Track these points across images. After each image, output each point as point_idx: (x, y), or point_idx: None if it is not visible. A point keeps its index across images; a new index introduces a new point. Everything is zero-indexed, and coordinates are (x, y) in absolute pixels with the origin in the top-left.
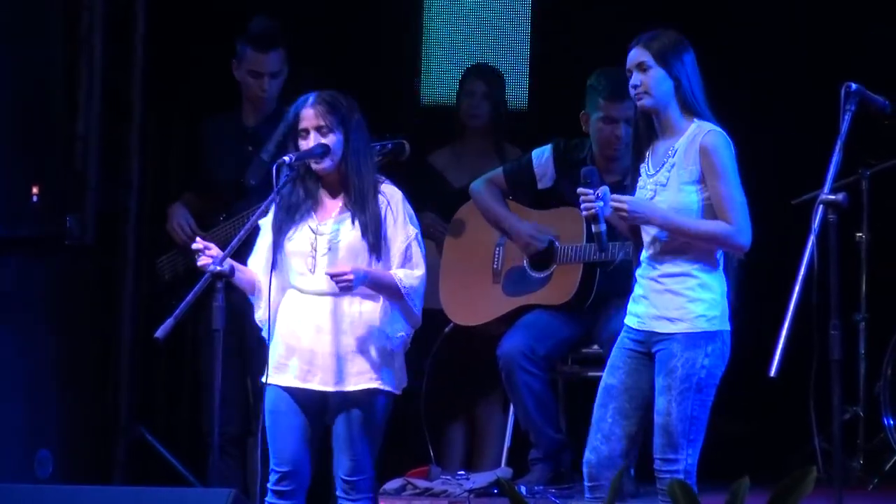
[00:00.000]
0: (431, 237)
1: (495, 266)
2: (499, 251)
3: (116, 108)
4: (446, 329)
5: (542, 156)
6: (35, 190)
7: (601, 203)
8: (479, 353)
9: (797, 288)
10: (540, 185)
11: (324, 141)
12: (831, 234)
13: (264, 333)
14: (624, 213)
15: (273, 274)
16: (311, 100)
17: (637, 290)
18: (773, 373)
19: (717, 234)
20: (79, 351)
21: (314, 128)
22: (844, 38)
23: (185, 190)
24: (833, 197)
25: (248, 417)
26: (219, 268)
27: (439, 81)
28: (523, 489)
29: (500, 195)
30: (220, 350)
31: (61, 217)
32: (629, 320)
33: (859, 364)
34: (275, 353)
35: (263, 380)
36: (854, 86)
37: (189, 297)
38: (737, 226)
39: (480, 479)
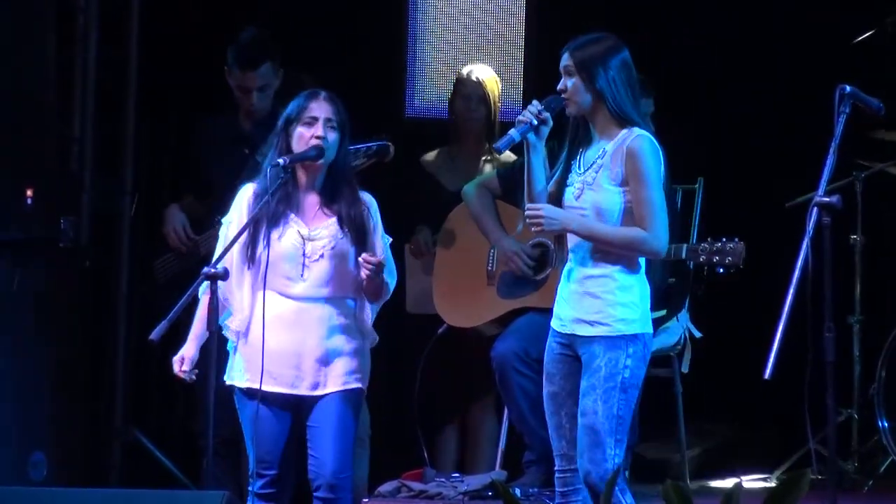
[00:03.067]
0: (419, 254)
1: (489, 268)
2: (493, 253)
3: (111, 110)
4: (440, 330)
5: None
6: (29, 192)
7: (532, 119)
8: (472, 355)
9: (791, 290)
10: None
11: (329, 135)
12: (825, 237)
13: (232, 339)
14: (540, 220)
15: (248, 272)
16: (323, 94)
17: (560, 293)
18: (767, 375)
19: (633, 240)
20: (73, 353)
21: (324, 119)
22: (836, 42)
23: (179, 192)
24: (827, 199)
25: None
26: (213, 270)
27: (431, 86)
28: (518, 491)
29: (493, 200)
30: (214, 352)
31: (56, 219)
32: (554, 323)
33: (854, 366)
34: (255, 357)
35: (234, 382)
36: (848, 88)
37: (183, 300)
38: (653, 232)
39: (475, 481)
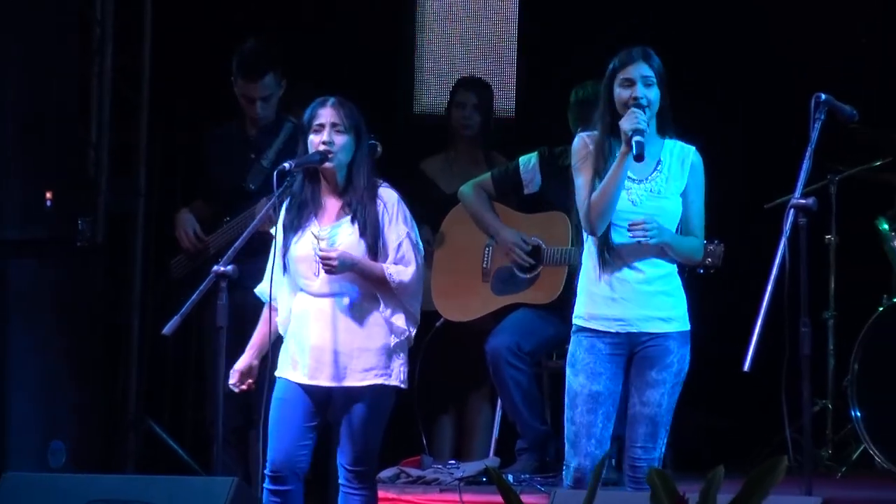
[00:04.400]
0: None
1: (485, 266)
2: (488, 251)
3: (125, 118)
4: (437, 324)
5: (528, 163)
6: (48, 195)
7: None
8: (468, 349)
9: (769, 287)
10: (526, 191)
11: (336, 139)
12: (801, 237)
13: (282, 333)
14: (645, 230)
15: (286, 276)
16: (331, 100)
17: (616, 294)
18: (746, 367)
19: (695, 248)
20: (90, 347)
21: (330, 124)
22: (811, 51)
23: (190, 195)
24: (803, 201)
25: (249, 410)
26: (223, 269)
27: (431, 93)
28: (510, 478)
29: (488, 199)
30: (223, 346)
31: (73, 220)
32: (604, 324)
33: (828, 359)
34: (287, 350)
35: (276, 373)
36: (823, 96)
37: (194, 297)
38: (702, 240)
39: (470, 467)
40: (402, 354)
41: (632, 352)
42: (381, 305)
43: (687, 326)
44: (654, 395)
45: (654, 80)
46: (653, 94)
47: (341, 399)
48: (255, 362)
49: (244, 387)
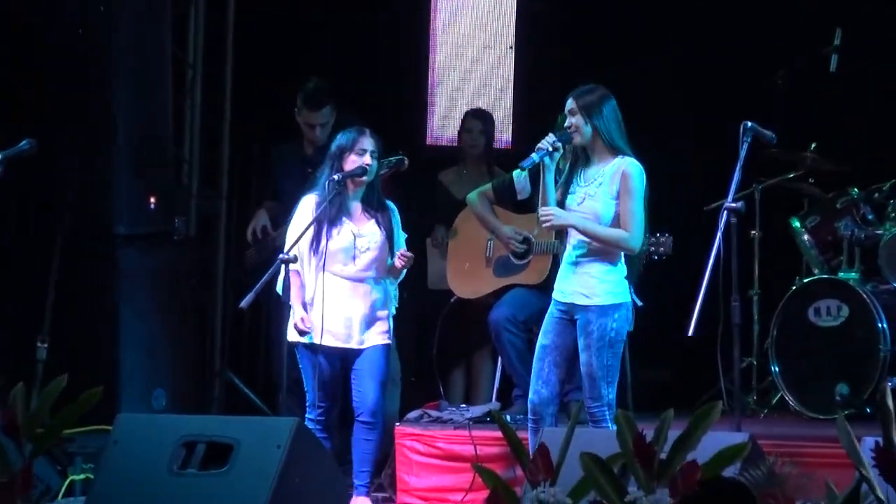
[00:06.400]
0: (437, 245)
1: (487, 255)
2: (490, 244)
3: (211, 139)
4: (451, 300)
5: (520, 176)
6: (153, 199)
7: (549, 147)
8: (475, 319)
9: (708, 271)
10: (519, 197)
11: (372, 161)
12: (733, 232)
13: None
14: (551, 218)
15: (313, 258)
16: (368, 131)
17: (562, 273)
18: (690, 332)
19: (618, 239)
20: (184, 316)
21: (371, 151)
22: (743, 87)
23: (261, 198)
24: (734, 204)
25: None
26: (285, 256)
27: (444, 121)
28: (508, 417)
29: (490, 204)
30: (287, 316)
31: (171, 219)
32: (556, 294)
33: (753, 326)
34: (316, 320)
35: (315, 340)
36: (749, 123)
37: (265, 278)
38: (632, 234)
39: (477, 410)
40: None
41: (573, 317)
42: (386, 285)
43: (609, 302)
44: (584, 357)
45: (577, 110)
46: (575, 120)
47: (360, 358)
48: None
49: (309, 325)
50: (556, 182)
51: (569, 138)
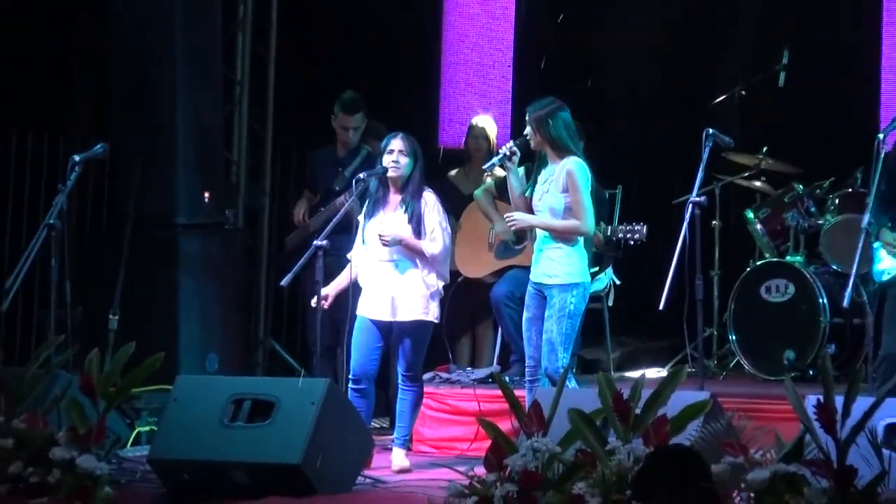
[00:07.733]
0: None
1: (490, 241)
2: (492, 232)
3: (256, 144)
4: (459, 279)
5: (516, 174)
6: (207, 194)
7: (507, 152)
8: (479, 295)
9: (676, 254)
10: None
11: (401, 159)
12: (697, 222)
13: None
14: (514, 223)
15: (364, 247)
16: (399, 134)
17: (534, 258)
18: (661, 307)
19: (571, 228)
20: (234, 293)
21: (398, 150)
22: (706, 97)
23: (299, 192)
24: (699, 199)
25: (338, 335)
26: (320, 242)
27: (453, 126)
28: (507, 378)
29: (492, 199)
30: (320, 293)
31: (222, 211)
32: (531, 275)
33: (714, 301)
34: (363, 296)
35: (357, 312)
36: (711, 130)
37: (302, 261)
38: (583, 221)
39: (480, 372)
40: (436, 299)
41: (543, 294)
42: (420, 267)
43: (568, 281)
44: (547, 325)
45: (530, 122)
46: (529, 129)
47: (397, 329)
48: (331, 293)
49: (324, 304)
50: (528, 181)
51: (525, 143)
